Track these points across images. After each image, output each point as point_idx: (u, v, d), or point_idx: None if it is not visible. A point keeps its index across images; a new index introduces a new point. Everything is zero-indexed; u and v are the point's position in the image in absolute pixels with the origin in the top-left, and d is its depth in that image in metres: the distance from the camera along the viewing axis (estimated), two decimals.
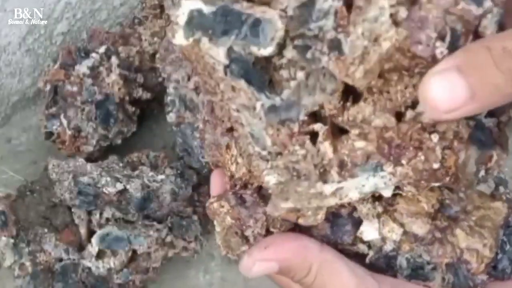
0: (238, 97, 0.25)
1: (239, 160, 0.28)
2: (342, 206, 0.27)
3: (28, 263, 0.60)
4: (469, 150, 0.25)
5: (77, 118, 0.68)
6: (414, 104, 0.25)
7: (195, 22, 0.25)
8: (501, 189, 0.30)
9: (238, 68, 0.25)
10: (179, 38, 0.25)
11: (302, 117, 0.25)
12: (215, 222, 0.29)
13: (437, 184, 0.25)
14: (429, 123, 0.24)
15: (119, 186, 0.59)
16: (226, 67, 0.25)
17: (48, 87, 0.70)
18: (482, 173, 0.27)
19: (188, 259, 0.68)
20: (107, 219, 0.61)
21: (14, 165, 0.76)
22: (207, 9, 0.24)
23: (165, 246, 0.62)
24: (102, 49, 0.70)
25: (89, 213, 0.61)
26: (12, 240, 0.60)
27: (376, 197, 0.28)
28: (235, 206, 0.27)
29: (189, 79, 0.65)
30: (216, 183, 0.30)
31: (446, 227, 0.28)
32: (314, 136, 0.26)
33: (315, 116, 0.26)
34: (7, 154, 0.77)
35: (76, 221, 0.61)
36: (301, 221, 0.26)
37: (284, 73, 0.25)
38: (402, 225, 0.28)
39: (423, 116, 0.24)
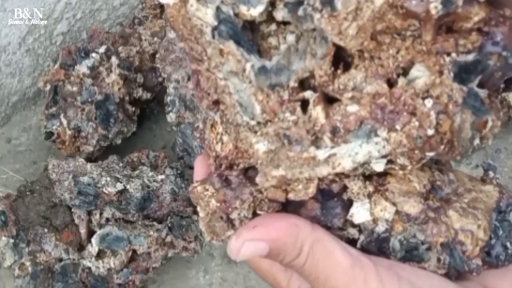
0: (226, 63, 0.25)
1: (225, 138, 0.27)
2: (333, 181, 0.26)
3: (28, 263, 0.60)
4: (464, 113, 0.25)
5: (77, 118, 0.68)
6: (405, 72, 0.24)
7: None
8: (491, 174, 0.30)
9: (227, 28, 0.24)
10: None
11: (292, 83, 0.24)
12: (198, 208, 0.27)
13: (431, 154, 0.25)
14: (422, 88, 0.24)
15: (119, 186, 0.59)
16: (214, 29, 0.24)
17: (48, 87, 0.70)
18: (477, 141, 0.26)
19: (188, 259, 0.68)
20: (107, 219, 0.61)
21: (14, 165, 0.76)
22: None
23: (165, 246, 0.62)
24: (102, 49, 0.70)
25: (89, 213, 0.61)
26: (12, 240, 0.60)
27: (367, 177, 0.27)
28: (220, 188, 0.26)
29: (189, 79, 0.65)
30: (200, 169, 0.28)
31: (438, 207, 0.27)
32: (304, 104, 0.25)
33: (304, 86, 0.25)
34: (7, 154, 0.77)
35: (76, 221, 0.61)
36: (291, 196, 0.26)
37: (272, 40, 0.25)
38: (394, 204, 0.27)
39: (416, 82, 0.24)
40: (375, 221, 0.27)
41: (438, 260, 0.27)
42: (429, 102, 0.24)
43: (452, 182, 0.29)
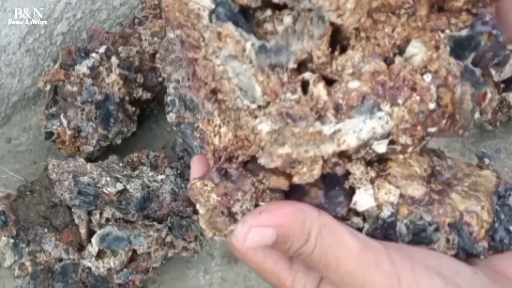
0: (224, 47, 0.25)
1: (223, 129, 0.26)
2: (336, 164, 0.26)
3: (28, 263, 0.60)
4: (464, 85, 0.25)
5: (77, 118, 0.68)
6: (401, 51, 0.25)
7: None
8: (486, 160, 0.30)
9: (224, 10, 0.24)
10: None
11: (292, 64, 0.24)
12: (197, 205, 0.27)
13: (433, 130, 0.25)
14: (420, 65, 0.24)
15: (119, 186, 0.59)
16: (212, 12, 0.24)
17: (48, 87, 0.70)
18: (477, 114, 0.26)
19: (188, 259, 0.68)
20: (107, 219, 0.61)
21: (14, 165, 0.76)
22: None
23: (165, 246, 0.62)
24: (102, 49, 0.70)
25: (89, 213, 0.61)
26: (12, 240, 0.60)
27: (368, 163, 0.27)
28: (220, 182, 0.26)
29: (189, 79, 0.65)
30: (196, 168, 0.28)
31: (441, 190, 0.27)
32: (304, 86, 0.25)
33: (302, 69, 0.25)
34: (7, 154, 0.77)
35: (76, 221, 0.61)
36: (296, 179, 0.25)
37: (268, 26, 0.25)
38: (398, 187, 0.26)
39: (413, 59, 0.24)
40: (379, 206, 0.27)
41: (447, 240, 0.27)
42: (428, 77, 0.24)
43: (450, 168, 0.29)
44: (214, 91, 0.26)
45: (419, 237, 0.27)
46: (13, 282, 0.61)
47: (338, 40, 0.25)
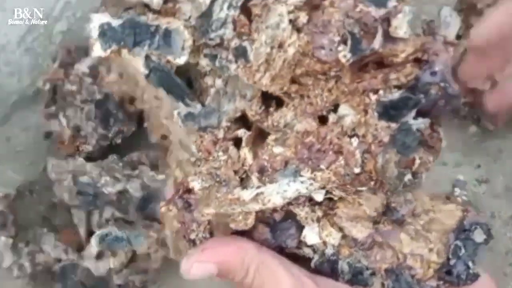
0: (162, 107, 0.26)
1: (177, 172, 0.28)
2: (274, 210, 0.27)
3: (27, 264, 0.60)
4: (388, 153, 0.25)
5: (76, 118, 0.68)
6: (336, 107, 0.25)
7: (108, 35, 0.26)
8: (457, 190, 0.30)
9: (156, 77, 0.25)
10: (97, 50, 0.26)
11: (225, 123, 0.26)
12: (165, 227, 0.29)
13: (364, 188, 0.25)
14: (350, 126, 0.25)
15: (119, 186, 0.59)
16: (147, 76, 0.26)
17: (48, 86, 0.70)
18: (408, 176, 0.27)
19: None
20: (107, 219, 0.61)
21: (13, 165, 0.75)
22: (115, 23, 0.26)
23: (165, 247, 0.62)
24: None
25: (89, 213, 0.61)
26: (11, 240, 0.60)
27: (317, 202, 0.28)
28: (180, 210, 0.28)
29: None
30: (170, 187, 0.30)
31: (388, 232, 0.28)
32: (239, 141, 0.26)
33: (242, 121, 0.27)
34: (7, 153, 0.77)
35: (76, 221, 0.60)
36: (232, 226, 0.27)
37: (208, 80, 0.26)
38: (341, 229, 0.28)
39: (344, 120, 0.25)
40: (325, 243, 0.28)
41: (382, 285, 0.28)
42: (355, 141, 0.25)
43: (409, 202, 0.29)
44: (165, 136, 0.28)
45: (357, 278, 0.28)
46: (12, 283, 0.61)
47: (273, 97, 0.26)
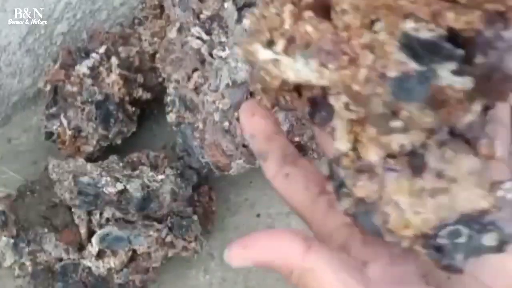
0: None
1: None
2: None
3: (28, 263, 0.60)
4: (381, 87, 0.23)
5: (77, 118, 0.68)
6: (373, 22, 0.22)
7: None
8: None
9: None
10: None
11: None
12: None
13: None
14: (373, 46, 0.22)
15: (119, 186, 0.59)
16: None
17: (48, 87, 0.70)
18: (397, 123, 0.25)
19: (188, 259, 0.68)
20: (107, 219, 0.61)
21: (14, 165, 0.76)
22: None
23: (165, 246, 0.62)
24: (102, 49, 0.70)
25: (89, 213, 0.61)
26: (12, 240, 0.60)
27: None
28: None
29: (189, 79, 0.66)
30: (247, 120, 0.28)
31: None
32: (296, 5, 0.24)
33: None
34: (7, 154, 0.77)
35: (76, 221, 0.61)
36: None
37: None
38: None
39: (375, 35, 0.22)
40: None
41: None
42: (372, 59, 0.22)
43: None
44: None
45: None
46: (13, 282, 0.61)
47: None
